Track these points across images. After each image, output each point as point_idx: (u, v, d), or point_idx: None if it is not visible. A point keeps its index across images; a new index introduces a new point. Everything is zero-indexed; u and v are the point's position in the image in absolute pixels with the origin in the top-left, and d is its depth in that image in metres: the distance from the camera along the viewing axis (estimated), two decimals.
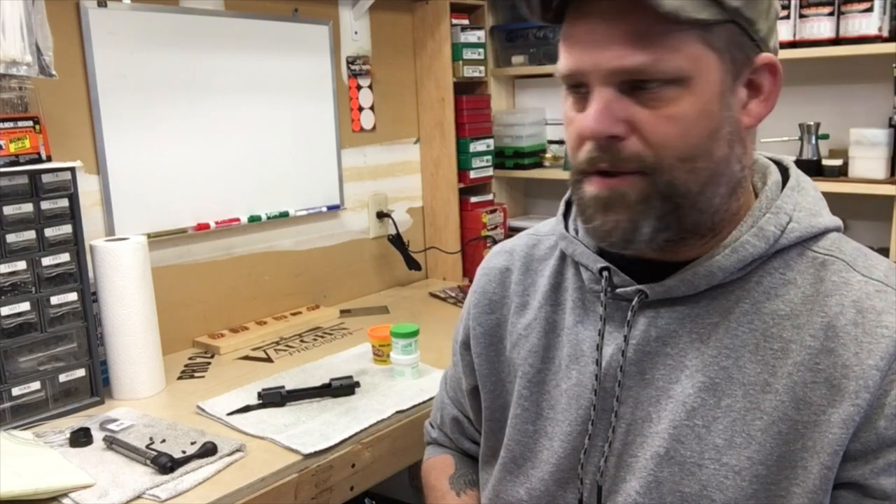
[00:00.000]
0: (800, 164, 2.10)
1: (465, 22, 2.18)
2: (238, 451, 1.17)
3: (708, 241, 0.70)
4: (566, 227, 0.80)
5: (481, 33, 2.20)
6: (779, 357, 0.66)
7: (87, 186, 1.51)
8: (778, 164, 0.77)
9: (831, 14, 1.85)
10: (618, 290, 0.72)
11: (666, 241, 0.67)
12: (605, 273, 0.73)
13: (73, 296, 1.36)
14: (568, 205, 0.82)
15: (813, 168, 1.90)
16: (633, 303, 0.71)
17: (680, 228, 0.67)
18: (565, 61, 0.66)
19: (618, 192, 0.65)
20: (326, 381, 1.40)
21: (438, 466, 0.96)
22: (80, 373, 1.37)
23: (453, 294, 2.10)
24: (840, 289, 0.67)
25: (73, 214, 1.35)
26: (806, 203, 0.71)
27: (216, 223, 1.74)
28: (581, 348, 0.75)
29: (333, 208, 2.02)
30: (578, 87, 0.67)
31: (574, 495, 0.73)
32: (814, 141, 1.92)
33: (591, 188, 0.67)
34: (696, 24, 0.61)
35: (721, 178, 0.66)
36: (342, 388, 1.38)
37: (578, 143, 0.67)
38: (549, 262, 0.82)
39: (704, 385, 0.67)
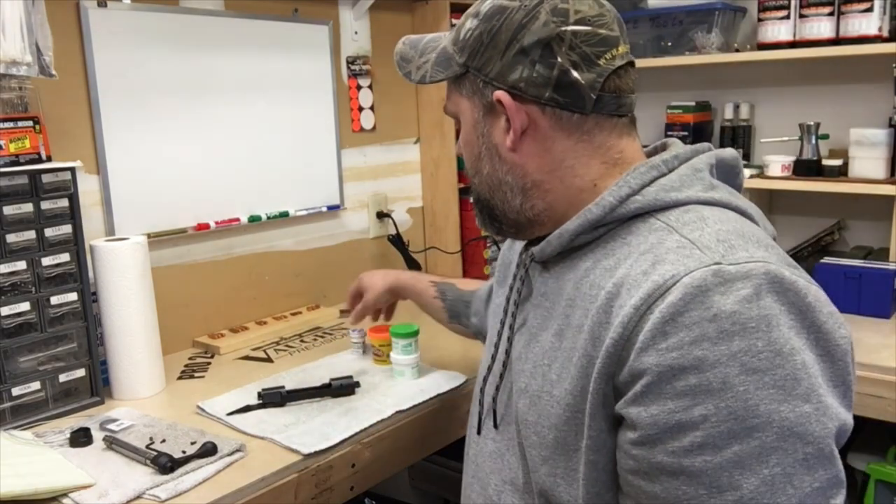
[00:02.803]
0: (800, 163, 2.10)
1: None
2: (238, 451, 1.17)
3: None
4: None
5: None
6: (592, 302, 0.77)
7: (87, 186, 1.51)
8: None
9: (831, 14, 1.85)
10: (525, 254, 0.92)
11: (499, 230, 0.91)
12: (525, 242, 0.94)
13: (73, 296, 1.36)
14: None
15: (813, 168, 1.90)
16: (527, 262, 0.91)
17: (498, 222, 0.90)
18: None
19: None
20: (326, 381, 1.39)
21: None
22: (80, 373, 1.38)
23: None
24: (653, 247, 0.74)
25: (73, 214, 1.35)
26: (666, 180, 0.79)
27: (216, 223, 1.74)
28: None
29: (333, 208, 2.02)
30: None
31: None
32: (814, 141, 1.92)
33: None
34: (448, 80, 0.88)
35: (501, 187, 0.86)
36: (342, 388, 1.38)
37: None
38: None
39: (555, 331, 0.82)
